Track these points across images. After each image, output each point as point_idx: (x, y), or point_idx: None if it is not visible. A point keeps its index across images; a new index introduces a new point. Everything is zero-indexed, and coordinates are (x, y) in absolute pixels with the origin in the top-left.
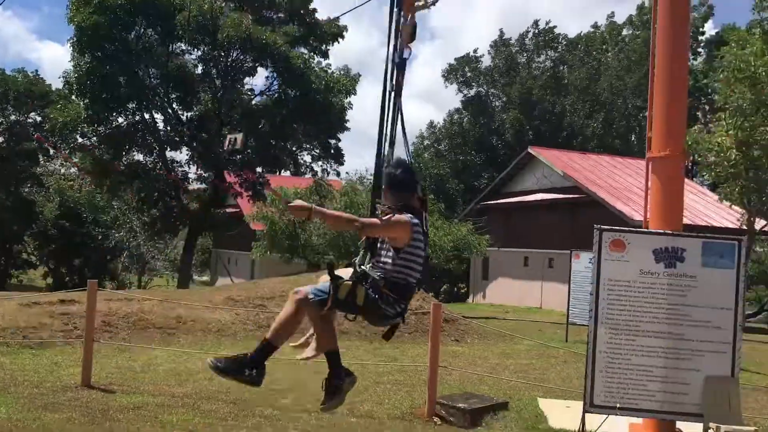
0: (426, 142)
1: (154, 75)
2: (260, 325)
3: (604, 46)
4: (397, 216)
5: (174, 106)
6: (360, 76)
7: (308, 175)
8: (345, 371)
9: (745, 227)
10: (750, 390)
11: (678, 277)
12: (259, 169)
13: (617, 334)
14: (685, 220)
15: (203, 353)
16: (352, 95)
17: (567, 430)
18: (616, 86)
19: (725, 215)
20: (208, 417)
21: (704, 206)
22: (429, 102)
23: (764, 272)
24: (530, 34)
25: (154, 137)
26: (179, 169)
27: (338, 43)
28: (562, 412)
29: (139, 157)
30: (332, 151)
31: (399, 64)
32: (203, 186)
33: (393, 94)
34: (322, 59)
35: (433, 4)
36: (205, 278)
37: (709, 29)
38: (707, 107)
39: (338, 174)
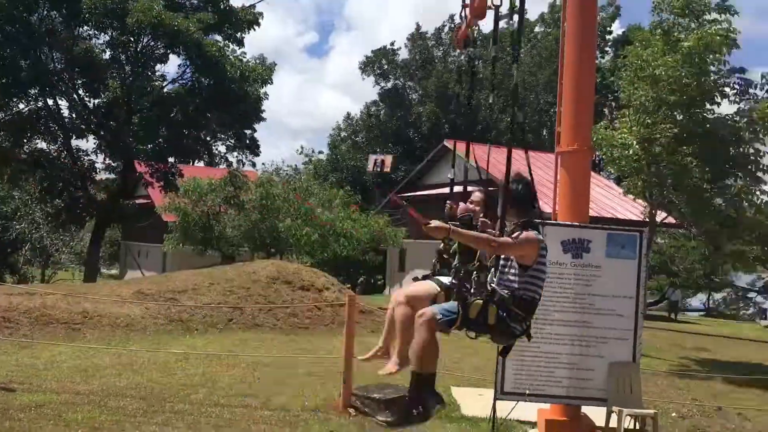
0: (343, 133)
1: (58, 59)
2: (171, 319)
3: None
4: (526, 234)
5: (80, 92)
6: (276, 65)
7: (223, 166)
8: (422, 402)
9: (647, 219)
10: (650, 375)
11: (584, 267)
12: (171, 159)
13: None
14: (592, 213)
15: (110, 349)
16: (268, 85)
17: (478, 417)
18: (529, 82)
19: (630, 208)
20: (116, 414)
21: (610, 199)
22: (346, 93)
23: (665, 262)
24: (446, 29)
25: (59, 124)
26: (86, 158)
27: (254, 30)
28: (474, 400)
29: (42, 145)
30: (248, 142)
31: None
32: (112, 176)
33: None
34: (237, 47)
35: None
36: (113, 271)
37: (617, 29)
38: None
39: (254, 165)
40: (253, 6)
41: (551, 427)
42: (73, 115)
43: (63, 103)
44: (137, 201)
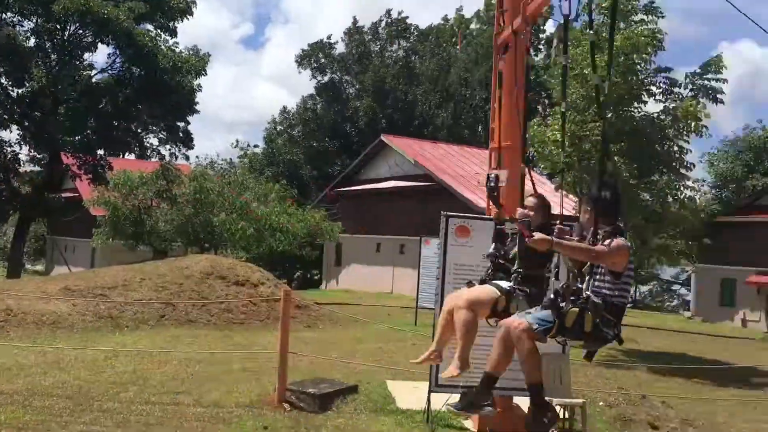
0: (279, 127)
1: None
2: (100, 316)
3: (453, 39)
4: (617, 242)
5: (2, 80)
6: (210, 56)
7: (155, 159)
8: (550, 408)
9: (578, 214)
10: (579, 365)
11: None
12: (100, 151)
13: None
14: None
15: (36, 347)
16: (202, 76)
17: (413, 410)
18: (465, 78)
19: (564, 203)
20: (41, 414)
21: (544, 194)
22: (282, 87)
23: None
24: (383, 23)
25: None
26: (9, 149)
27: (187, 20)
28: (409, 393)
29: None
30: (181, 134)
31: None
32: (37, 168)
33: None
34: (169, 37)
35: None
36: (39, 267)
37: (550, 27)
38: (547, 102)
39: (187, 158)
40: None
41: (484, 418)
42: None
43: None
44: (64, 194)
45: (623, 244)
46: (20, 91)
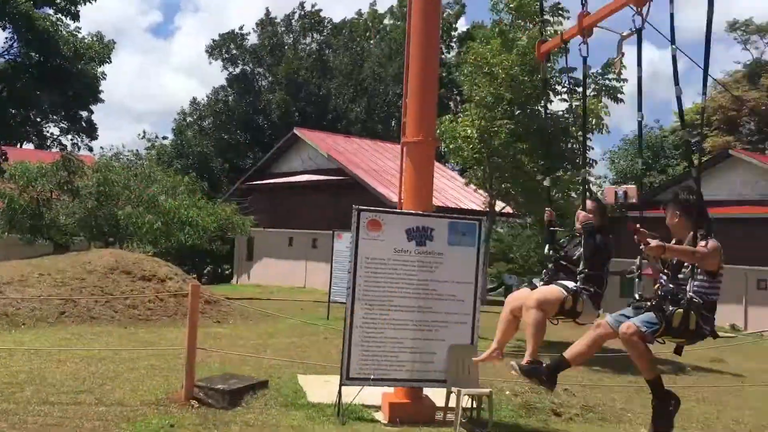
0: (189, 119)
1: None
2: None
3: (367, 34)
4: (712, 243)
5: None
6: (115, 43)
7: (55, 149)
8: (672, 395)
9: (488, 209)
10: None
11: (427, 254)
12: None
13: (372, 309)
14: (438, 203)
15: None
16: (107, 64)
17: (324, 404)
18: (378, 73)
19: (473, 198)
20: None
21: (455, 189)
22: (192, 77)
23: (503, 250)
24: (296, 16)
25: None
26: None
27: (90, 4)
28: (320, 386)
29: None
30: (83, 124)
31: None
32: None
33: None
34: (71, 21)
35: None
36: None
37: (462, 25)
38: (458, 98)
39: (91, 149)
40: None
41: (394, 409)
42: None
43: None
44: None
45: (718, 245)
46: None
